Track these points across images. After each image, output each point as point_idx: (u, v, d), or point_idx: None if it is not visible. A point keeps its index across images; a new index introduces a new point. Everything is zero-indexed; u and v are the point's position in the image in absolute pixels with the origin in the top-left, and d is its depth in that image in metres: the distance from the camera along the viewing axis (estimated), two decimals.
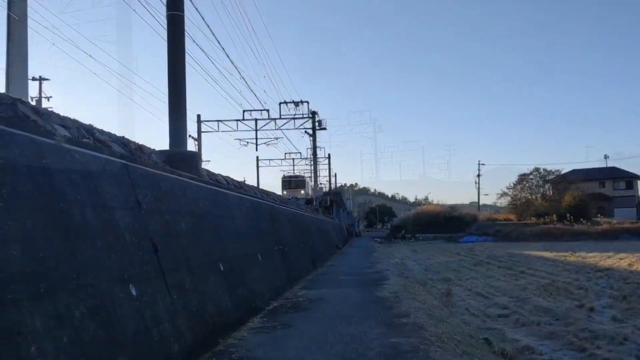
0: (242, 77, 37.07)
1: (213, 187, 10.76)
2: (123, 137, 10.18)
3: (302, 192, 53.11)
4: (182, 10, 11.77)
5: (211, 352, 6.38)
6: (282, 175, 58.30)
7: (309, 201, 46.33)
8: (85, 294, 4.74)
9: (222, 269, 8.85)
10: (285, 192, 50.02)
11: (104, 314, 4.94)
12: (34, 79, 39.23)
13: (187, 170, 10.34)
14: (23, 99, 6.67)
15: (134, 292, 5.60)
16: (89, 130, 8.27)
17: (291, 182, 54.70)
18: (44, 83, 39.59)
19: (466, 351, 6.00)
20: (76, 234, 4.94)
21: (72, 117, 9.41)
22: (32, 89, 46.51)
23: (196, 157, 11.26)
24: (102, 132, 8.95)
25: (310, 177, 54.62)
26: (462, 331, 8.31)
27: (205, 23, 20.01)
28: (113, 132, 9.87)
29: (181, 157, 10.80)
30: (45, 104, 39.30)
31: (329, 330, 7.28)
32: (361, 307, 9.32)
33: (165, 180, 7.92)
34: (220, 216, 10.21)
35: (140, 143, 10.49)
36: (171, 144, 11.37)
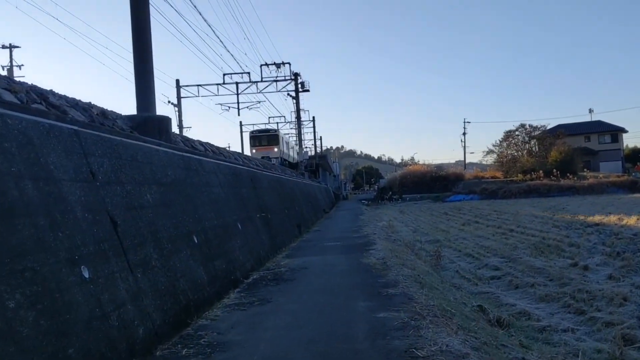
0: (221, 41, 35.76)
1: (185, 154, 10.02)
2: (89, 102, 9.40)
3: (276, 149, 43.07)
4: None
5: (178, 337, 5.78)
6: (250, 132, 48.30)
7: (293, 165, 45.15)
8: (21, 279, 4.08)
9: (196, 241, 8.22)
10: (254, 151, 41.94)
11: (48, 302, 4.29)
12: (3, 47, 37.76)
13: (156, 136, 9.59)
14: None
15: (86, 274, 4.95)
16: (42, 94, 7.50)
17: (261, 138, 44.35)
18: (16, 51, 38.06)
19: (461, 325, 5.46)
20: (9, 211, 4.24)
21: (25, 82, 8.62)
22: (3, 57, 44.79)
23: (166, 121, 10.47)
24: (58, 96, 8.17)
25: (296, 140, 50.77)
26: (454, 299, 7.80)
27: None
28: (88, 102, 9.12)
29: (149, 122, 10.05)
30: (17, 72, 37.90)
31: (311, 306, 6.72)
32: (347, 277, 8.76)
33: (127, 148, 7.18)
34: (193, 184, 9.51)
35: (104, 108, 9.71)
36: (138, 108, 10.56)
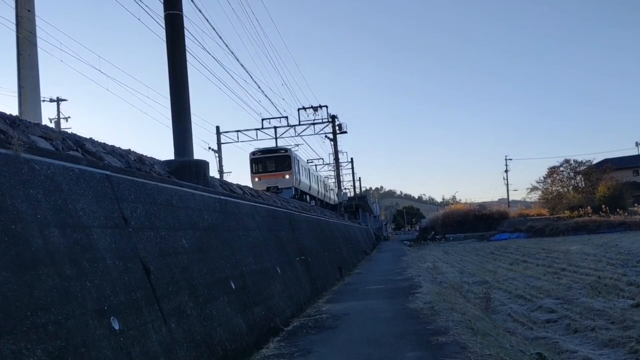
0: (259, 86, 36.22)
1: (222, 197, 9.82)
2: (127, 149, 9.37)
3: (287, 176, 30.18)
4: (181, 9, 10.92)
5: None
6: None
7: (333, 207, 44.26)
8: (43, 334, 3.80)
9: (233, 287, 7.89)
10: (256, 180, 30.23)
11: (73, 357, 4.00)
12: (51, 100, 39.19)
13: (193, 180, 9.45)
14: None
15: (116, 326, 4.66)
16: (78, 142, 7.43)
17: (265, 162, 31.05)
18: (62, 104, 39.44)
19: None
20: (33, 260, 4.01)
21: (64, 130, 8.60)
22: (52, 110, 46.64)
23: (203, 165, 10.33)
24: (95, 143, 8.12)
25: (334, 182, 48.99)
26: (510, 346, 7.18)
27: (218, 34, 19.23)
28: (126, 149, 9.11)
29: (186, 166, 9.93)
30: (64, 124, 39.18)
31: (354, 358, 6.23)
32: (392, 324, 8.23)
33: (161, 192, 7.00)
34: (231, 228, 9.26)
35: (142, 154, 9.66)
36: (176, 153, 10.48)
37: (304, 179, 33.39)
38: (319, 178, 42.23)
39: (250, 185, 24.00)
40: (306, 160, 41.93)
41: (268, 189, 26.77)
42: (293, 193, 29.52)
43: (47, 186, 4.58)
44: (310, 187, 35.79)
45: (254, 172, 31.01)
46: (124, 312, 4.88)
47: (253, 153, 31.80)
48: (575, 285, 16.35)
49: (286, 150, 32.10)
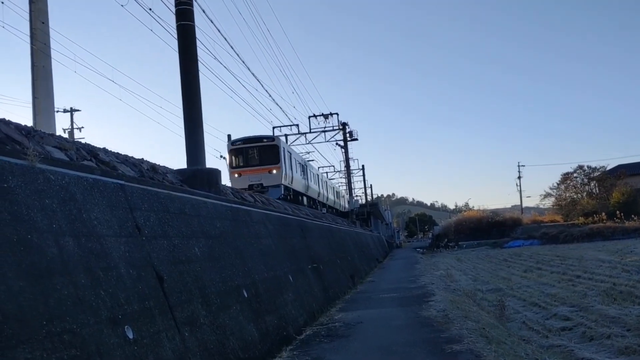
0: (269, 95, 36.41)
1: (234, 205, 9.86)
2: (140, 158, 9.45)
3: (274, 171, 23.61)
4: (193, 20, 11.02)
5: None
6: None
7: (344, 214, 44.04)
8: (59, 342, 3.83)
9: (245, 295, 7.90)
10: (236, 176, 23.86)
11: None
12: (65, 110, 39.60)
13: (205, 188, 9.50)
14: (7, 120, 5.92)
15: (130, 335, 4.68)
16: (92, 151, 7.51)
17: (246, 153, 24.48)
18: (76, 114, 39.85)
19: None
20: (48, 269, 4.04)
21: (78, 140, 8.71)
22: (65, 121, 47.08)
23: (215, 173, 10.40)
24: (109, 153, 8.19)
25: (345, 189, 48.97)
26: (525, 354, 7.11)
27: (230, 45, 19.35)
28: (139, 158, 9.19)
29: (198, 175, 9.99)
30: (77, 134, 39.54)
31: None
32: (406, 332, 8.18)
33: (174, 201, 7.03)
34: (242, 235, 9.28)
35: (155, 163, 9.74)
36: (188, 162, 10.56)
37: (298, 176, 26.88)
38: (320, 177, 36.17)
39: (230, 184, 20.94)
40: (309, 161, 35.73)
41: (250, 187, 21.45)
42: (282, 192, 23.28)
43: (62, 196, 4.63)
44: (308, 187, 29.53)
45: (233, 167, 24.26)
46: (137, 321, 4.90)
47: (232, 142, 24.85)
48: (590, 293, 16.14)
49: (273, 138, 25.14)
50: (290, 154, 26.41)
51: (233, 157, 24.51)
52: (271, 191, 22.41)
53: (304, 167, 29.70)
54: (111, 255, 4.97)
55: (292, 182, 25.37)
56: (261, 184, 22.90)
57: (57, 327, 3.87)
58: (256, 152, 24.28)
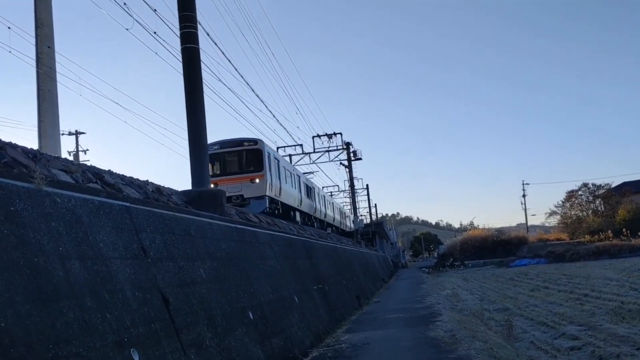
0: (273, 115, 36.62)
1: (239, 226, 9.85)
2: (145, 180, 9.48)
3: (257, 180, 19.89)
4: (197, 43, 11.14)
5: None
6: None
7: (349, 234, 43.75)
8: None
9: (251, 317, 7.85)
10: (212, 186, 14.00)
11: None
12: (70, 133, 39.84)
13: (210, 210, 9.50)
14: (14, 144, 5.98)
15: (136, 358, 4.65)
16: (97, 174, 7.54)
17: (224, 159, 20.65)
18: (81, 136, 40.09)
19: None
20: (54, 292, 4.04)
21: (84, 163, 8.74)
22: (70, 143, 47.33)
23: (220, 195, 10.40)
24: (114, 175, 8.23)
25: (350, 209, 48.69)
26: None
27: (234, 66, 19.54)
28: (144, 180, 9.24)
29: (203, 196, 10.00)
30: (82, 157, 39.73)
31: None
32: (413, 353, 8.10)
33: (179, 222, 7.04)
34: (247, 257, 9.26)
35: (160, 185, 9.77)
36: (193, 183, 10.59)
37: (287, 187, 23.25)
38: (320, 193, 32.96)
39: None
40: (308, 175, 31.43)
41: (229, 199, 17.34)
42: (267, 206, 19.89)
43: (68, 219, 4.64)
44: (301, 200, 25.80)
45: (210, 175, 18.42)
46: (143, 344, 4.87)
47: (210, 146, 18.56)
48: (598, 311, 16.00)
49: (256, 141, 20.88)
50: (278, 160, 22.84)
51: (210, 164, 19.06)
52: (253, 204, 19.24)
53: (297, 178, 26.19)
54: (117, 278, 4.96)
55: (279, 194, 21.79)
56: (241, 196, 19.45)
57: (63, 351, 3.85)
58: (236, 158, 20.66)
